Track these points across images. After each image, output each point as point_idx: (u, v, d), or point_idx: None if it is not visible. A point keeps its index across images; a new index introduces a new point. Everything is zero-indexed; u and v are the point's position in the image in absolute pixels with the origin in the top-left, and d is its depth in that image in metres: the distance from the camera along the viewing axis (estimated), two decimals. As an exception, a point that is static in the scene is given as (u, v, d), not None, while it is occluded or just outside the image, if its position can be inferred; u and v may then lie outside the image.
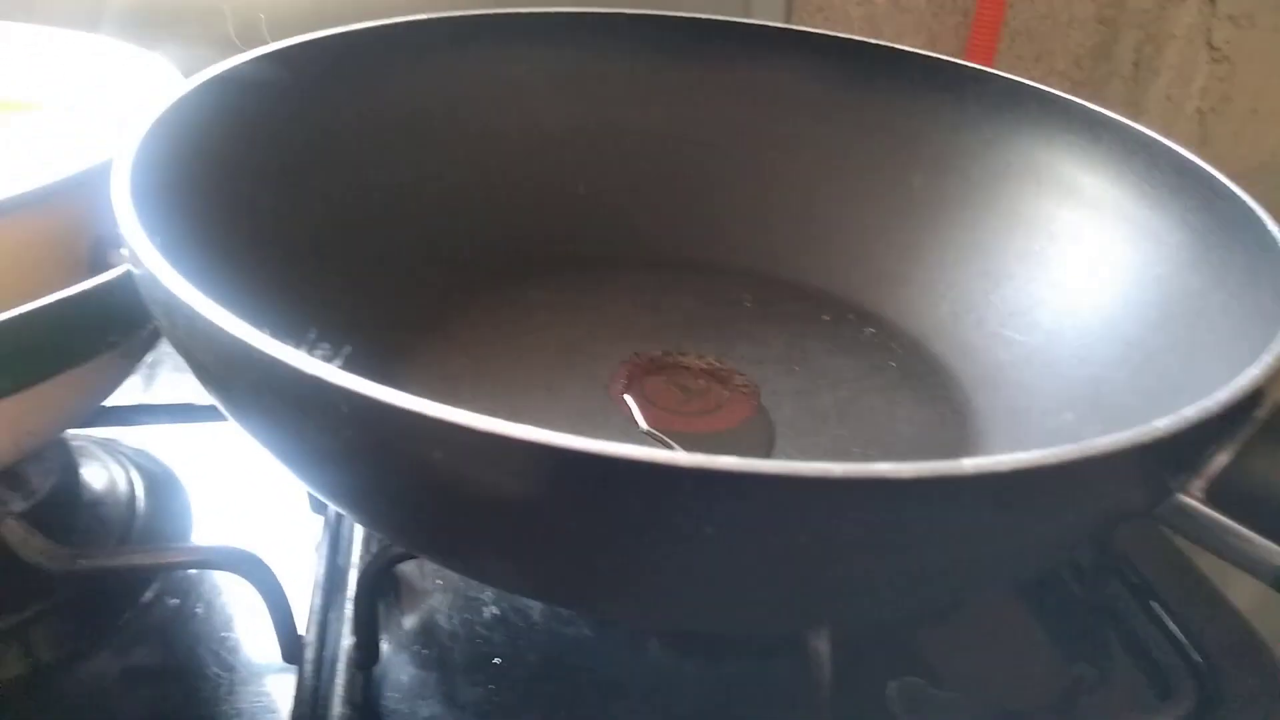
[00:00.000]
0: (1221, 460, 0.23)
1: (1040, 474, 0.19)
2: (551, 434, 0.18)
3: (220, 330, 0.21)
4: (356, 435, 0.20)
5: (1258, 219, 0.31)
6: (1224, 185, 0.33)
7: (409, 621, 0.36)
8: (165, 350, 0.37)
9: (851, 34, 0.75)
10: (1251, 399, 0.22)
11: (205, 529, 0.39)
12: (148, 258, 0.23)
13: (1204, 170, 0.34)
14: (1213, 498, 0.23)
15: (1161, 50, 0.79)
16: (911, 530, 0.20)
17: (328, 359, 0.20)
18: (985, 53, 0.76)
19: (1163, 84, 0.80)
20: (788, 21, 0.70)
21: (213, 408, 0.43)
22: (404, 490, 0.22)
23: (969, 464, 0.19)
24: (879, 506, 0.19)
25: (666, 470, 0.18)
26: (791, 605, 0.25)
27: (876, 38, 0.76)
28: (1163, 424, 0.20)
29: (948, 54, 0.75)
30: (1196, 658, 0.35)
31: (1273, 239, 0.30)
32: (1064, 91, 0.80)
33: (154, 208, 0.27)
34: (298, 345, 0.20)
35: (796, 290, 0.44)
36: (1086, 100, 0.80)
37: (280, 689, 0.33)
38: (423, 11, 0.41)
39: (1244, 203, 0.32)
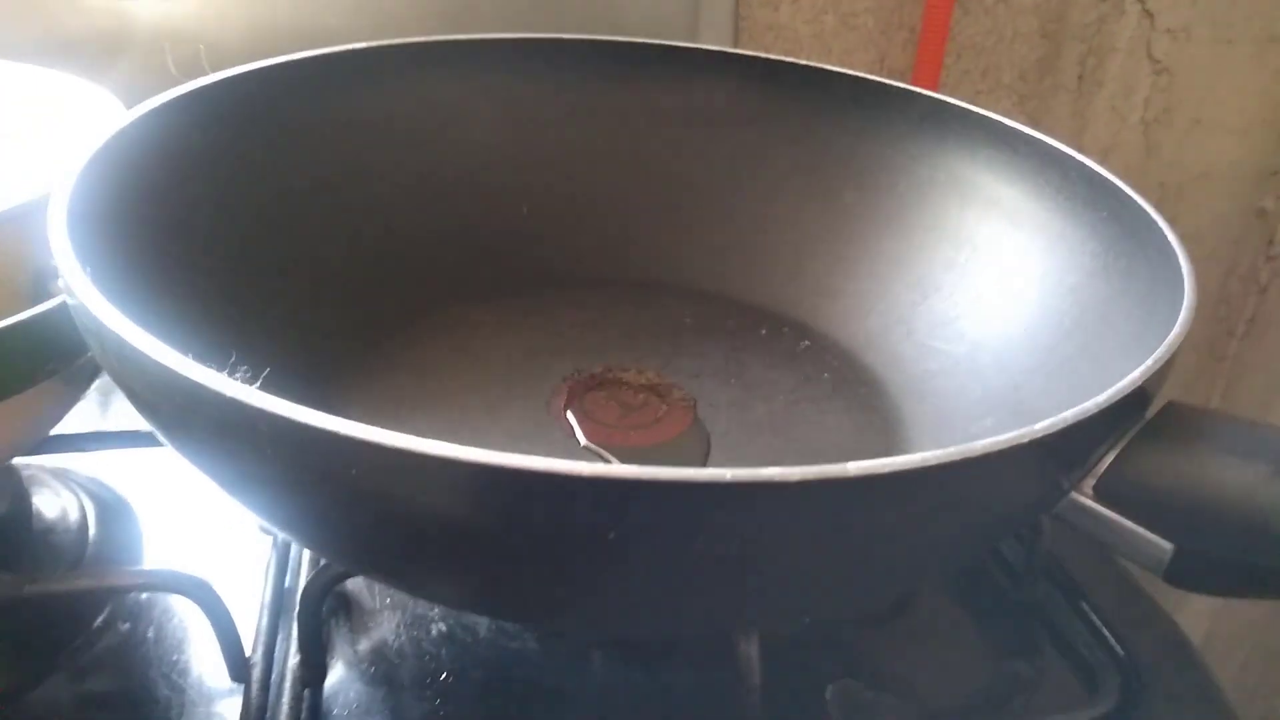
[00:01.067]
0: (1109, 458, 0.25)
1: (920, 475, 0.20)
2: (457, 447, 0.19)
3: (145, 356, 0.21)
4: (276, 455, 0.21)
5: (1159, 229, 0.33)
6: (1130, 197, 0.35)
7: (358, 640, 0.36)
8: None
9: (802, 53, 0.77)
10: (1132, 401, 0.23)
11: (157, 554, 0.40)
12: (80, 288, 0.24)
13: (1112, 183, 0.36)
14: (1103, 494, 0.25)
15: (1104, 63, 0.81)
16: (805, 532, 0.21)
17: (248, 381, 0.21)
18: (932, 68, 0.78)
19: (1107, 95, 0.82)
20: (735, 43, 0.71)
21: (161, 434, 0.44)
22: (328, 509, 0.23)
23: (853, 467, 0.20)
24: (769, 510, 0.20)
25: (563, 480, 0.19)
26: (712, 608, 0.26)
27: (826, 55, 0.78)
28: (1042, 425, 0.22)
29: (896, 70, 0.77)
30: (1121, 653, 0.36)
31: (1171, 248, 0.32)
32: (1011, 104, 0.82)
33: (90, 239, 0.28)
34: (223, 370, 0.21)
35: (735, 306, 0.45)
36: (1033, 112, 0.82)
37: (229, 709, 0.33)
38: (363, 40, 0.43)
39: (1147, 214, 0.34)
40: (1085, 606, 0.38)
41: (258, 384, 0.21)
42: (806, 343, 0.43)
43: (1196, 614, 0.93)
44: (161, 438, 0.26)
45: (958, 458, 0.21)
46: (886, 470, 0.20)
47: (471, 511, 0.21)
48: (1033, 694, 0.36)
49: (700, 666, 0.36)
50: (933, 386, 0.38)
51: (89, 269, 0.25)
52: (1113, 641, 0.36)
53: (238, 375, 0.21)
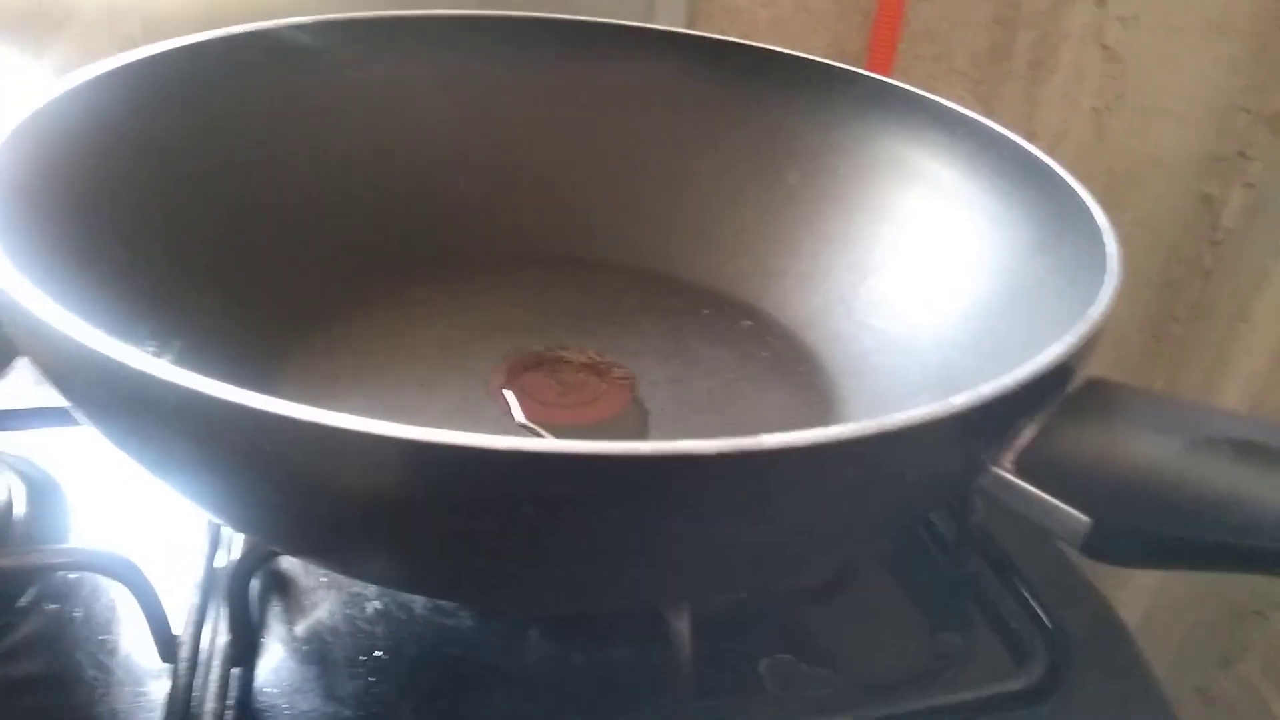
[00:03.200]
0: (1030, 433, 0.25)
1: (838, 447, 0.20)
2: (365, 421, 0.19)
3: (51, 329, 0.21)
4: (185, 430, 0.21)
5: (1088, 211, 0.33)
6: (1063, 179, 0.35)
7: (292, 619, 0.36)
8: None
9: (758, 35, 0.77)
10: (1049, 378, 0.24)
11: (87, 535, 0.39)
12: (-13, 259, 0.24)
13: (1046, 165, 0.36)
14: (1023, 468, 0.25)
15: (1056, 50, 0.81)
16: (724, 504, 0.21)
17: (160, 356, 0.21)
18: (886, 52, 0.78)
19: (1059, 82, 0.83)
20: (691, 25, 0.71)
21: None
22: (243, 487, 0.23)
23: (769, 439, 0.20)
24: (689, 482, 0.20)
25: (478, 454, 0.19)
26: (638, 582, 0.26)
27: (782, 39, 0.78)
28: (960, 399, 0.22)
29: (851, 54, 0.77)
30: (1050, 626, 0.37)
31: (1099, 230, 0.32)
32: (964, 89, 0.83)
33: (10, 212, 0.27)
34: (135, 345, 0.21)
35: (678, 285, 0.45)
36: (986, 98, 0.82)
37: (158, 688, 0.33)
38: (303, 14, 0.42)
39: (1078, 195, 0.34)
40: (1016, 581, 0.39)
41: (170, 358, 0.21)
42: (749, 322, 0.43)
43: (1138, 589, 0.95)
44: (76, 414, 0.25)
45: (875, 431, 0.21)
46: (803, 443, 0.20)
47: (385, 487, 0.21)
48: (963, 666, 0.36)
49: (636, 643, 0.36)
50: (870, 364, 0.39)
51: (2, 241, 0.24)
52: (1041, 614, 0.37)
53: (149, 349, 0.21)
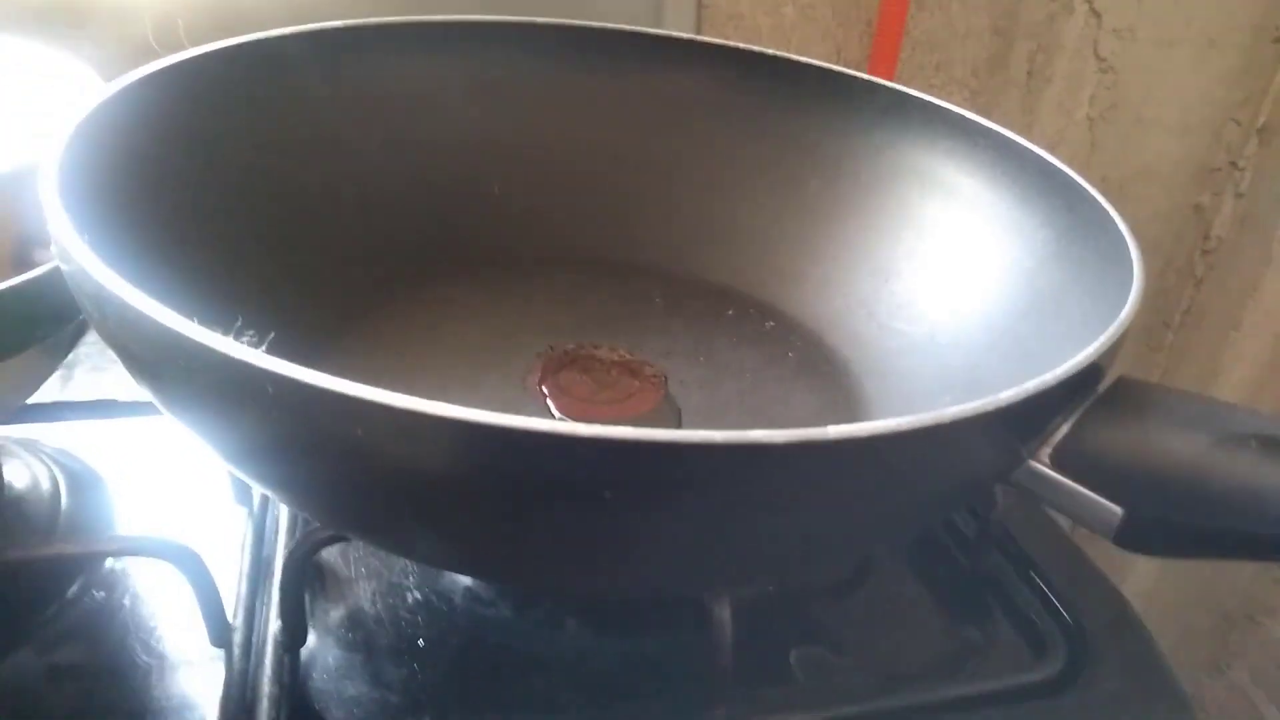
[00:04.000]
0: (1064, 429, 0.27)
1: (896, 439, 0.22)
2: (463, 409, 0.20)
3: (149, 319, 0.22)
4: (282, 416, 0.22)
5: (1111, 219, 0.35)
6: (1083, 188, 0.37)
7: (335, 609, 0.37)
8: (82, 350, 0.38)
9: (761, 42, 0.78)
10: (1085, 376, 0.25)
11: (129, 523, 0.40)
12: (77, 252, 0.25)
13: (1067, 174, 0.38)
14: (1058, 462, 0.26)
15: (1052, 60, 0.83)
16: (785, 492, 0.22)
17: (254, 346, 0.22)
18: (888, 61, 0.79)
19: (1055, 92, 0.84)
20: (698, 31, 0.73)
21: (133, 404, 0.44)
22: (330, 469, 0.24)
23: (833, 430, 0.21)
24: (755, 471, 0.22)
25: (549, 437, 0.20)
26: (693, 566, 0.27)
27: (784, 46, 0.80)
28: (1005, 395, 0.23)
29: (852, 62, 0.79)
30: (1069, 620, 0.38)
31: (1122, 237, 0.34)
32: (964, 98, 0.84)
33: (80, 206, 0.28)
34: (224, 333, 0.22)
35: (704, 287, 0.46)
36: (984, 107, 0.84)
37: (210, 674, 0.34)
38: (341, 17, 0.43)
39: (1100, 204, 0.36)
40: (1034, 576, 0.40)
41: (264, 347, 0.22)
42: (772, 323, 0.44)
43: (1129, 595, 0.96)
44: (158, 403, 0.26)
45: (930, 423, 0.22)
46: (865, 434, 0.21)
47: (472, 470, 0.22)
48: (984, 658, 0.38)
49: (670, 632, 0.37)
50: (893, 365, 0.40)
51: (85, 235, 0.25)
52: (1060, 609, 0.38)
53: (245, 339, 0.22)
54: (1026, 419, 0.25)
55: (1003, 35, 0.81)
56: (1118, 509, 0.25)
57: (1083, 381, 0.25)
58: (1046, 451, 0.26)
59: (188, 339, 0.21)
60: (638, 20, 0.63)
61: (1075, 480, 0.26)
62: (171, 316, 0.22)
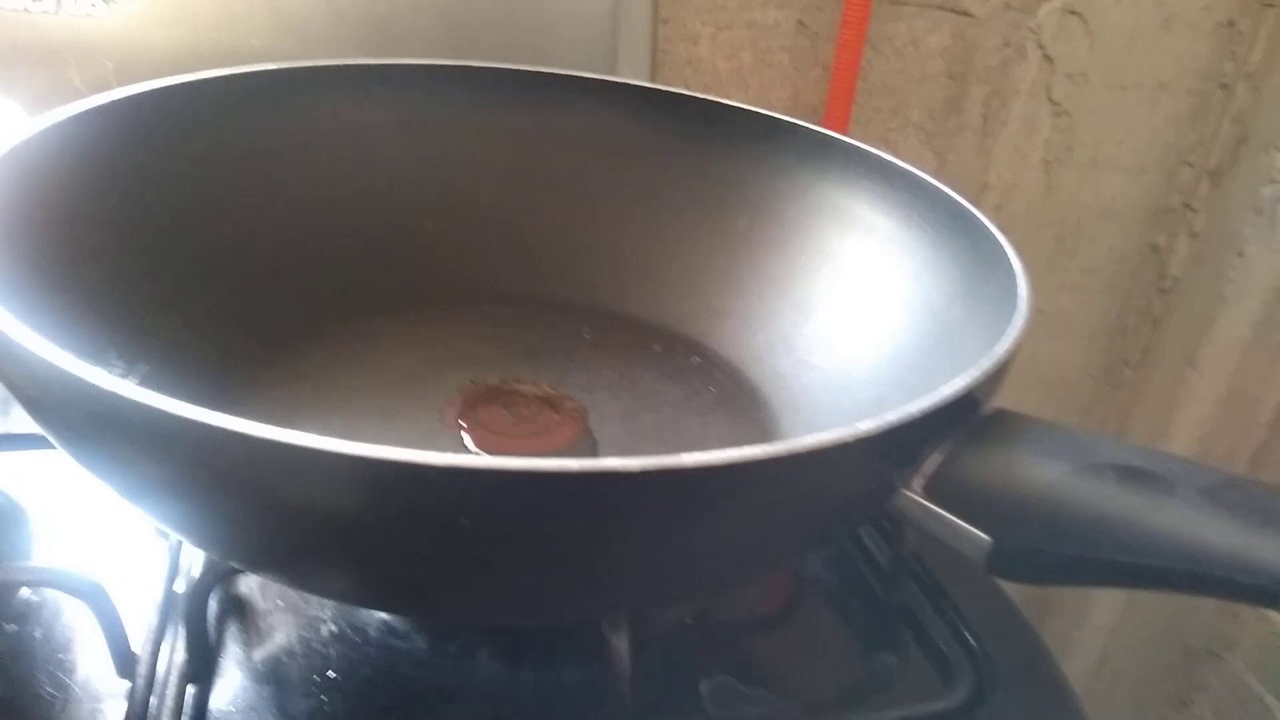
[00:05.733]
0: (938, 459, 0.27)
1: (751, 466, 0.22)
2: (315, 438, 0.21)
3: (23, 350, 0.23)
4: (149, 448, 0.22)
5: (1006, 256, 0.36)
6: (986, 226, 0.38)
7: (249, 640, 0.37)
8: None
9: (719, 87, 0.80)
10: (951, 408, 0.26)
11: (49, 556, 0.40)
12: (-34, 287, 0.25)
13: (971, 213, 0.39)
14: (932, 491, 0.27)
15: (1007, 104, 0.84)
16: (646, 519, 0.23)
17: (127, 378, 0.22)
18: (843, 105, 0.81)
19: (1010, 135, 0.86)
20: (655, 74, 0.74)
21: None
22: (204, 501, 0.24)
23: (688, 457, 0.22)
24: (616, 497, 0.22)
25: (417, 469, 0.21)
26: (573, 590, 0.27)
27: (743, 91, 0.81)
28: (865, 425, 0.24)
29: (809, 106, 0.80)
30: (975, 648, 0.39)
31: (1014, 274, 0.34)
32: (919, 141, 0.86)
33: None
34: (105, 366, 0.22)
35: (632, 322, 0.47)
36: (940, 150, 0.85)
37: (115, 707, 0.34)
38: (271, 61, 0.44)
39: (998, 241, 0.37)
40: (946, 606, 0.41)
41: (136, 379, 0.22)
42: (697, 359, 0.45)
43: (1094, 629, 0.97)
44: (48, 436, 0.27)
45: (786, 452, 0.23)
46: (720, 461, 0.22)
47: (335, 501, 0.22)
48: (894, 687, 0.38)
49: (584, 664, 0.37)
50: (809, 400, 0.41)
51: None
52: (969, 638, 0.39)
53: (114, 370, 0.22)
54: (892, 448, 0.25)
55: (957, 80, 0.83)
56: (987, 538, 0.26)
57: (951, 414, 0.26)
58: (920, 480, 0.27)
59: (58, 370, 0.22)
60: (592, 64, 0.64)
61: (947, 509, 0.26)
62: (45, 347, 0.23)
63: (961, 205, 0.39)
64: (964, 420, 0.28)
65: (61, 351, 0.22)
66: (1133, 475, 0.25)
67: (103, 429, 0.23)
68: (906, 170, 0.42)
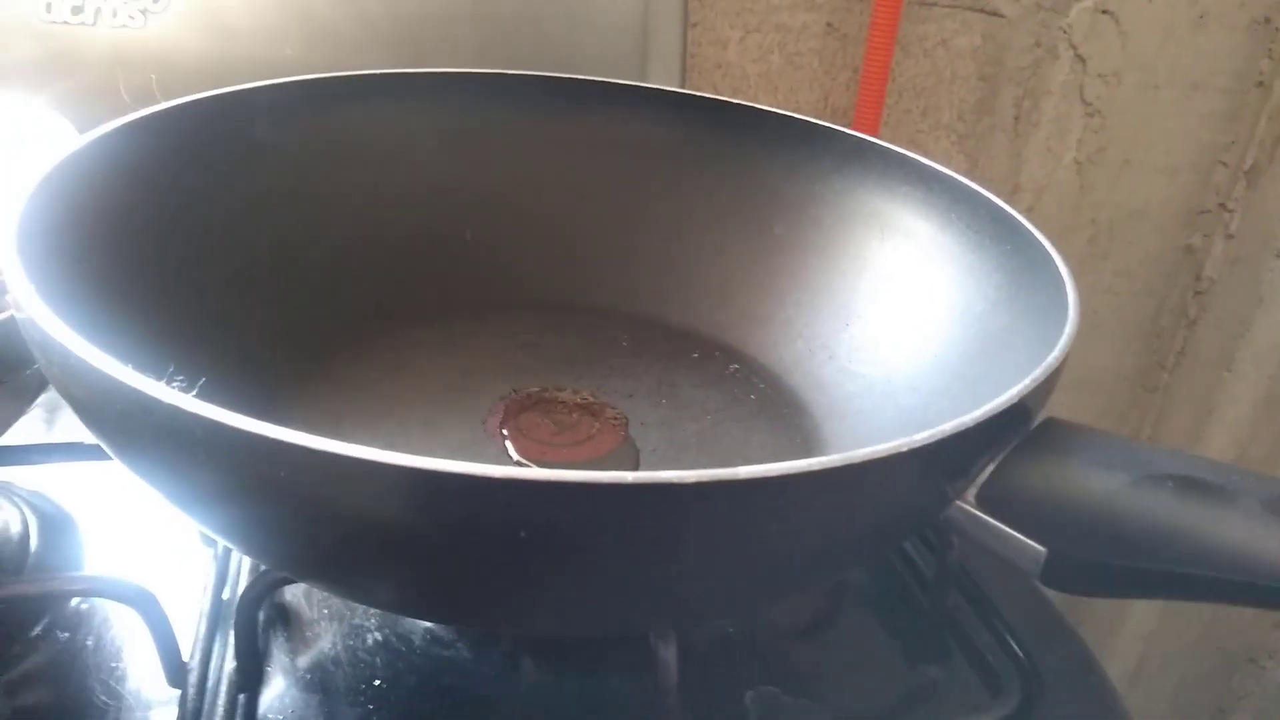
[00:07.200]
0: (991, 469, 0.27)
1: (805, 479, 0.22)
2: (376, 451, 0.21)
3: (87, 365, 0.23)
4: (209, 459, 0.22)
5: (1053, 262, 0.35)
6: (1030, 231, 0.38)
7: (295, 649, 0.37)
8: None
9: (748, 90, 0.79)
10: (1006, 418, 0.26)
11: (99, 566, 0.41)
12: (27, 301, 0.26)
13: (1014, 218, 0.39)
14: (984, 501, 0.27)
15: (1039, 105, 0.84)
16: (701, 531, 0.23)
17: (185, 390, 0.22)
18: (874, 108, 0.80)
19: (1042, 136, 0.85)
20: (685, 78, 0.74)
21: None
22: (259, 512, 0.25)
23: (743, 470, 0.22)
24: (669, 510, 0.22)
25: (475, 481, 0.21)
26: (624, 603, 0.27)
27: (772, 94, 0.81)
28: (920, 436, 0.24)
29: (839, 109, 0.80)
30: (1023, 659, 0.38)
31: (1062, 280, 0.34)
32: (951, 143, 0.85)
33: (39, 256, 0.29)
34: (161, 380, 0.22)
35: (669, 330, 0.47)
36: (972, 152, 0.85)
37: (167, 714, 0.34)
38: (318, 71, 0.44)
39: (1043, 246, 0.36)
40: (992, 616, 0.40)
41: (194, 392, 0.22)
42: (735, 366, 0.45)
43: (1132, 637, 0.95)
44: (105, 447, 0.27)
45: (842, 463, 0.23)
46: (777, 473, 0.22)
47: (391, 512, 0.22)
48: (940, 699, 0.38)
49: (627, 673, 0.37)
50: (851, 407, 0.41)
51: (36, 284, 0.26)
52: (1016, 648, 0.38)
53: (175, 384, 0.23)
54: (946, 460, 0.25)
55: (989, 81, 0.82)
56: (1042, 549, 0.26)
57: (1004, 424, 0.26)
58: (973, 491, 0.27)
59: (121, 384, 0.22)
60: (623, 70, 0.64)
61: (1001, 520, 0.26)
62: (108, 362, 0.23)
63: (1004, 210, 0.39)
64: (1017, 430, 0.27)
65: (124, 367, 0.23)
66: (1192, 486, 0.25)
67: (167, 442, 0.23)
68: (946, 175, 0.42)
